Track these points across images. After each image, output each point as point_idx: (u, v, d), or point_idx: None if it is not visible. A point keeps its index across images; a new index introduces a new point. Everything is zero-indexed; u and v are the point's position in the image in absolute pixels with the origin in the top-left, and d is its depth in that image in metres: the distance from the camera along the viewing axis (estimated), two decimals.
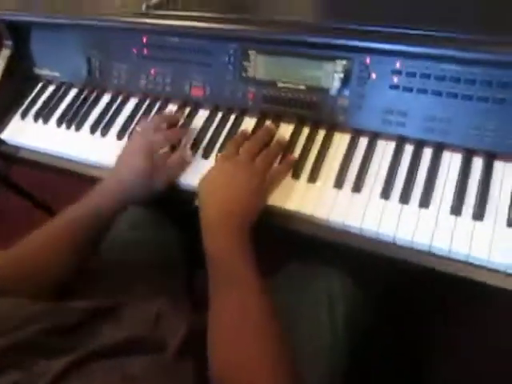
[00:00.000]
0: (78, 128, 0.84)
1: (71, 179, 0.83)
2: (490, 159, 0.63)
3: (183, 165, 0.72)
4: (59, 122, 0.86)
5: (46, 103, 0.90)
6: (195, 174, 0.71)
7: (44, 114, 0.88)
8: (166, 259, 0.80)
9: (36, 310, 0.48)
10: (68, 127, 0.85)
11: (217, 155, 0.73)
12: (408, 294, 1.03)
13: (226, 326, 0.53)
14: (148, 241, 0.81)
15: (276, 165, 0.69)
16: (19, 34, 0.89)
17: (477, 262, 0.57)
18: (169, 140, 0.72)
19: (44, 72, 0.91)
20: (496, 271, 0.56)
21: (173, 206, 0.87)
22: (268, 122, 0.74)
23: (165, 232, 0.84)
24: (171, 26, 0.75)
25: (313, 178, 0.67)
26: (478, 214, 0.59)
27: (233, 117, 0.77)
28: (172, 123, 0.76)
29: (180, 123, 0.78)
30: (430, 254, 0.59)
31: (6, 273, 0.58)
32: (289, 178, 0.68)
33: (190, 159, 0.73)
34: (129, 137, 0.79)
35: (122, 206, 0.69)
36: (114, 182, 0.70)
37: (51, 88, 0.92)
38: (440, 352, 1.06)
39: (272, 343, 0.51)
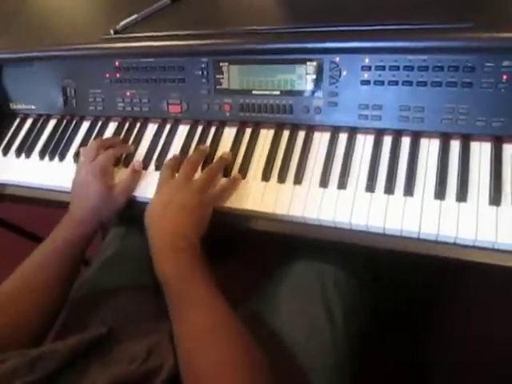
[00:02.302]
0: (61, 158, 0.84)
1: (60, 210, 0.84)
2: (466, 141, 0.65)
3: (136, 176, 0.75)
4: (42, 155, 0.86)
5: (25, 137, 0.90)
6: None
7: (25, 149, 0.88)
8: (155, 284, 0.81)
9: (9, 366, 0.47)
10: (51, 159, 0.85)
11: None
12: (401, 281, 1.05)
13: (191, 346, 0.53)
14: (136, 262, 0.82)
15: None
16: None
17: (464, 243, 0.59)
18: (113, 156, 0.75)
19: (20, 106, 0.92)
20: (483, 249, 0.58)
21: None
22: (248, 130, 0.75)
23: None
24: (140, 47, 0.76)
25: (298, 179, 0.68)
26: (461, 196, 0.61)
27: (213, 129, 0.78)
28: (112, 144, 0.79)
29: (162, 141, 0.79)
30: (419, 241, 0.61)
31: None
32: (275, 183, 0.70)
33: (140, 168, 0.76)
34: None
35: (92, 231, 0.71)
36: (77, 213, 0.71)
37: (29, 121, 0.92)
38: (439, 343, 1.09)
39: (237, 355, 0.52)
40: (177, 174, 0.69)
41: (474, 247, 0.59)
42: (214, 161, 0.73)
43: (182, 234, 0.62)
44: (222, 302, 0.56)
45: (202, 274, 0.58)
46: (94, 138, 0.84)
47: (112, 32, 0.77)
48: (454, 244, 0.59)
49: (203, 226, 0.65)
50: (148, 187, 0.75)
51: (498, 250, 0.58)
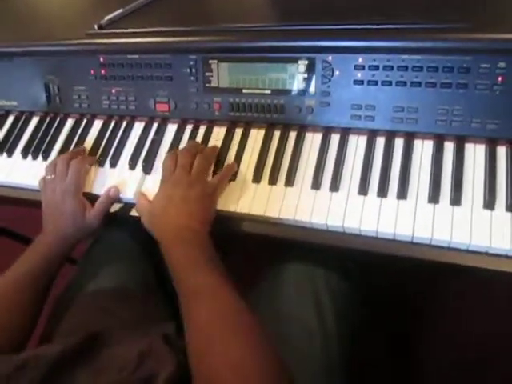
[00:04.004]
0: (45, 157, 0.82)
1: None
2: (460, 143, 0.64)
3: (112, 200, 0.73)
4: (24, 154, 0.83)
5: (7, 135, 0.86)
6: None
7: (7, 147, 0.85)
8: (144, 286, 0.80)
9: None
10: (35, 157, 0.82)
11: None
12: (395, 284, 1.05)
13: (204, 337, 0.52)
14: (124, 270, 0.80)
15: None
16: None
17: (458, 247, 0.58)
18: (83, 171, 0.73)
19: (1, 103, 0.88)
20: (477, 253, 0.57)
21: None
22: (238, 130, 0.73)
23: (139, 260, 0.83)
24: (126, 43, 0.73)
25: (290, 181, 0.67)
26: (455, 199, 0.60)
27: (202, 129, 0.76)
28: (79, 155, 0.76)
29: (149, 140, 0.77)
30: (413, 245, 0.60)
31: None
32: (266, 184, 0.68)
33: (115, 195, 0.73)
34: (98, 161, 0.78)
35: (66, 252, 0.71)
36: (52, 235, 0.70)
37: (11, 119, 0.89)
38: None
39: (254, 340, 0.51)
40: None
41: (467, 251, 0.58)
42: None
43: (187, 226, 0.61)
44: (233, 289, 0.55)
45: (211, 262, 0.58)
46: (79, 137, 0.82)
47: (96, 27, 0.74)
48: (448, 248, 0.59)
49: (210, 215, 0.65)
50: (135, 188, 0.73)
51: (492, 255, 0.57)
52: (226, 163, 0.71)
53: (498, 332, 1.05)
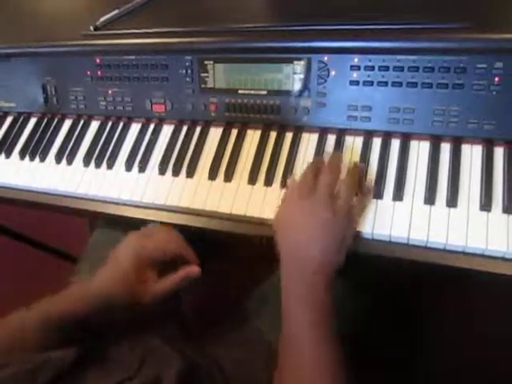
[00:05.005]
0: (42, 159, 0.82)
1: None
2: (457, 144, 0.63)
3: (182, 279, 0.63)
4: (22, 155, 0.83)
5: (5, 136, 0.87)
6: (161, 191, 0.71)
7: (5, 148, 0.85)
8: None
9: (7, 374, 0.46)
10: (32, 159, 0.82)
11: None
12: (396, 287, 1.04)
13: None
14: None
15: None
16: None
17: (454, 249, 0.57)
18: (162, 255, 0.63)
19: None
20: (474, 255, 0.57)
21: None
22: (234, 131, 0.73)
23: None
24: (121, 44, 0.73)
25: (285, 183, 0.67)
26: (452, 201, 0.59)
27: (198, 129, 0.75)
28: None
29: (146, 141, 0.77)
30: (409, 247, 0.59)
31: None
32: (261, 186, 0.68)
33: (196, 274, 0.64)
34: (95, 162, 0.78)
35: (96, 312, 0.59)
36: (93, 284, 0.60)
37: (9, 120, 0.89)
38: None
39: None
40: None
41: (464, 253, 0.57)
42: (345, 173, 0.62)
43: (321, 264, 0.55)
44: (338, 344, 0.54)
45: (322, 307, 0.55)
46: (76, 138, 0.82)
47: (92, 28, 0.74)
48: (444, 250, 0.58)
49: (343, 257, 0.57)
50: (130, 189, 0.73)
51: (489, 257, 0.56)
52: (222, 165, 0.71)
53: (498, 333, 1.04)
